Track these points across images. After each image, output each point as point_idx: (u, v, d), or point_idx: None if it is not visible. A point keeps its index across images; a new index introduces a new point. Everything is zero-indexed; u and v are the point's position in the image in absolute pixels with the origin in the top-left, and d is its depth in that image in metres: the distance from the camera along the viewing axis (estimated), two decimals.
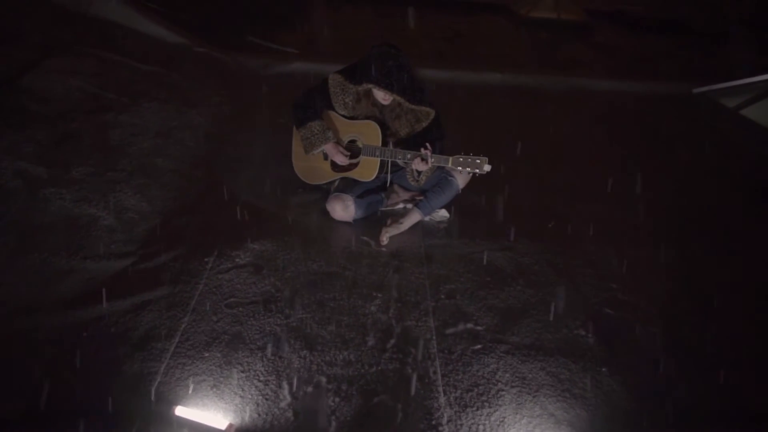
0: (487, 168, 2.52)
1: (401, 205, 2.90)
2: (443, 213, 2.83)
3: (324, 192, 2.85)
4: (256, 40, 4.97)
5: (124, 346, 1.91)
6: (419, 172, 2.69)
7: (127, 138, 3.10)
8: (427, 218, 2.79)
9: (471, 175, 2.65)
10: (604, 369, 1.95)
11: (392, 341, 2.03)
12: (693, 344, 2.09)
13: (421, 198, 2.77)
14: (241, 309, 2.13)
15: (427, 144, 2.54)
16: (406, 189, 2.93)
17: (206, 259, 2.37)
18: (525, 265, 2.49)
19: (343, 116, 2.76)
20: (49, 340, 1.90)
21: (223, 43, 4.72)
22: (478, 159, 2.52)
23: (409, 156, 2.61)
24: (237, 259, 2.39)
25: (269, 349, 1.95)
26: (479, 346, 2.02)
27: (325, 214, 2.72)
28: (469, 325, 2.12)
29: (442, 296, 2.27)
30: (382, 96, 2.60)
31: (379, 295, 2.26)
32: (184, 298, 2.16)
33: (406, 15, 7.74)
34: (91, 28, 4.10)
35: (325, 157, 2.83)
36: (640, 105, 4.58)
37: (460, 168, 2.54)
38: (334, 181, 2.84)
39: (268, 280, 2.29)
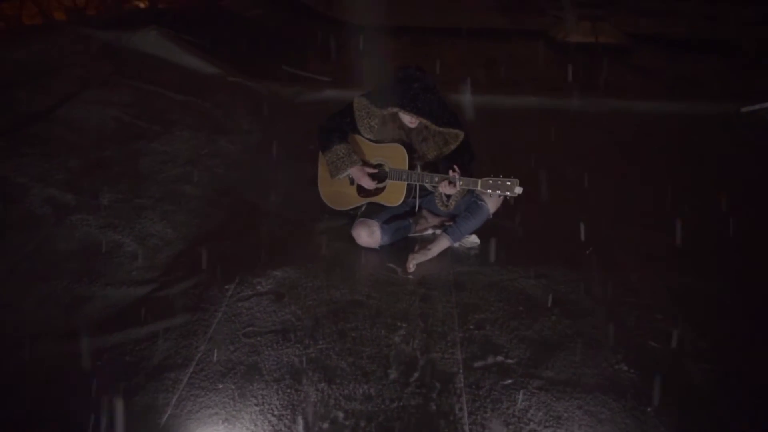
0: (518, 190, 2.40)
1: (430, 231, 2.79)
2: (473, 239, 2.71)
3: (350, 218, 2.78)
4: (289, 69, 5.04)
5: (138, 376, 1.85)
6: (448, 196, 2.59)
7: (157, 166, 3.13)
8: (456, 245, 2.67)
9: (502, 198, 2.53)
10: (649, 409, 1.76)
11: (416, 375, 1.90)
12: (752, 382, 1.88)
13: (451, 223, 2.66)
14: (259, 338, 2.05)
15: (455, 166, 2.44)
16: (435, 214, 2.83)
17: (227, 287, 2.31)
18: (560, 293, 2.33)
19: (369, 140, 2.70)
20: (64, 368, 1.86)
21: (257, 73, 4.80)
22: (509, 181, 2.40)
23: (436, 179, 2.51)
24: (258, 287, 2.33)
25: (286, 381, 1.85)
26: (510, 381, 1.87)
27: (351, 240, 2.64)
28: (500, 358, 1.98)
29: (471, 327, 2.13)
30: (408, 119, 2.54)
31: (403, 325, 2.14)
32: (202, 327, 2.09)
33: (441, 44, 7.76)
34: (129, 60, 4.24)
35: (351, 182, 2.76)
36: (685, 126, 4.36)
37: (490, 191, 2.42)
38: (360, 207, 2.76)
39: (288, 309, 2.21)
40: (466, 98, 4.50)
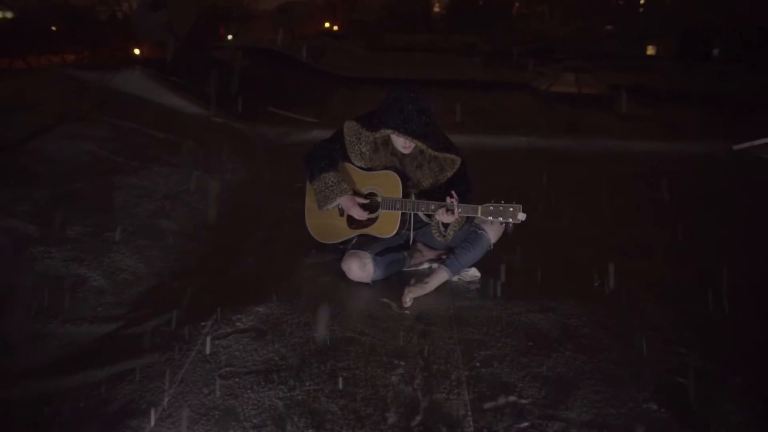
0: (521, 217, 2.23)
1: (426, 265, 2.59)
2: (474, 272, 2.51)
3: (339, 253, 2.57)
4: (276, 110, 4.95)
5: (93, 424, 1.58)
6: (446, 226, 2.41)
7: (133, 200, 2.93)
8: (455, 278, 2.47)
9: (503, 226, 2.37)
10: None
11: (418, 418, 1.65)
12: None
13: (449, 256, 2.46)
14: (237, 380, 1.79)
15: (453, 192, 2.28)
16: (432, 248, 2.64)
17: (202, 323, 2.07)
18: (572, 327, 2.12)
19: (360, 168, 2.54)
20: (7, 416, 1.58)
21: (243, 114, 4.70)
22: (511, 207, 2.24)
23: (433, 207, 2.34)
24: (238, 323, 2.08)
25: (267, 428, 1.59)
26: (526, 424, 1.63)
27: (341, 274, 2.43)
28: (512, 398, 1.74)
29: (477, 364, 1.90)
30: (402, 143, 2.39)
31: (401, 363, 1.90)
32: (172, 367, 1.83)
33: (427, 93, 7.82)
34: (111, 99, 4.11)
35: (341, 212, 2.58)
36: (678, 163, 4.31)
37: (491, 218, 2.25)
38: (351, 240, 2.57)
39: (271, 347, 1.96)
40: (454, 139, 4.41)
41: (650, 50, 18.86)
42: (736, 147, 4.30)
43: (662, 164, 4.31)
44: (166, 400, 1.69)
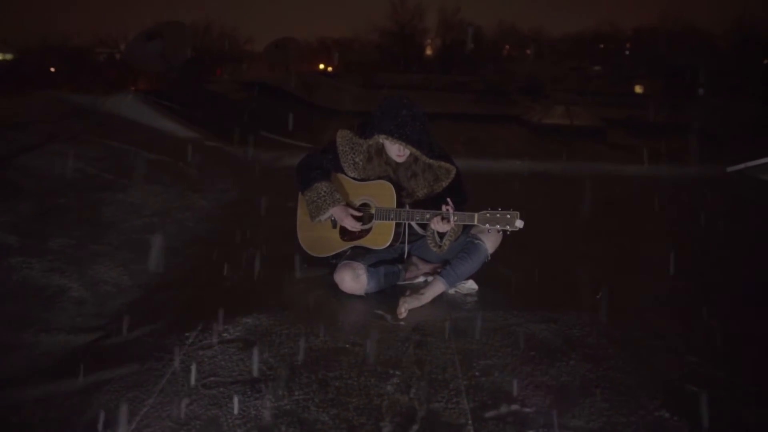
0: (519, 224, 2.16)
1: (421, 279, 2.51)
2: (471, 284, 2.42)
3: (332, 267, 2.48)
4: (269, 135, 4.94)
5: None
6: (441, 236, 2.34)
7: (120, 215, 2.85)
8: (452, 291, 2.39)
9: (501, 235, 2.30)
10: None
11: (415, 427, 1.54)
12: None
13: (445, 267, 2.38)
14: (221, 389, 1.68)
15: (449, 199, 2.22)
16: (427, 261, 2.56)
17: (187, 334, 1.96)
18: (576, 337, 2.03)
19: (353, 178, 2.48)
20: None
21: (236, 139, 4.67)
22: (509, 214, 2.17)
23: (428, 216, 2.27)
24: (224, 334, 1.98)
25: None
26: None
27: (333, 287, 2.34)
28: (515, 407, 1.63)
29: (477, 373, 1.80)
30: (396, 151, 2.34)
31: (397, 372, 1.80)
32: (153, 377, 1.72)
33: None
34: (103, 121, 4.08)
35: (334, 224, 2.50)
36: (673, 185, 4.30)
37: (488, 225, 2.18)
38: (344, 252, 2.48)
39: (259, 357, 1.85)
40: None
41: (638, 89, 19.36)
42: (730, 169, 4.31)
43: (658, 185, 4.29)
44: (143, 410, 1.57)
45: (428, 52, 34.84)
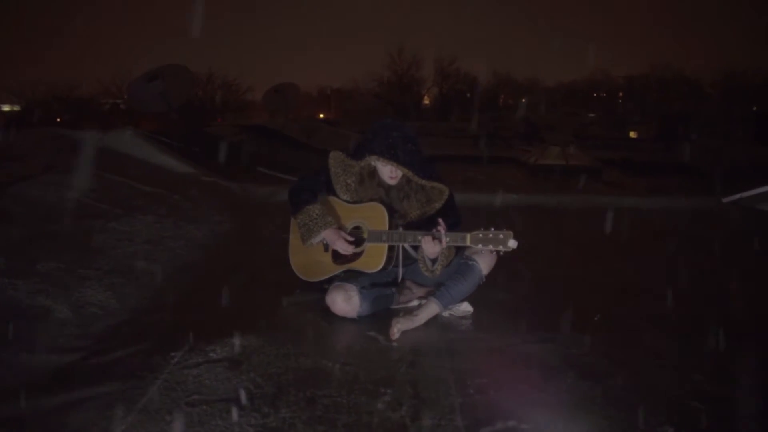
0: (512, 244, 2.13)
1: (416, 302, 2.45)
2: (466, 307, 2.37)
3: (324, 292, 2.43)
4: (265, 171, 4.97)
5: None
6: (433, 261, 2.30)
7: (112, 242, 2.83)
8: (446, 313, 2.33)
9: (495, 256, 2.26)
10: None
11: None
12: None
13: (440, 289, 2.33)
14: (205, 407, 1.61)
15: (440, 220, 2.20)
16: (421, 285, 2.51)
17: (173, 353, 1.90)
18: (574, 356, 1.96)
19: (346, 201, 2.47)
20: None
21: (232, 175, 4.70)
22: (502, 234, 2.14)
23: (420, 237, 2.24)
24: (211, 354, 1.92)
25: None
26: None
27: (324, 310, 2.28)
28: (511, 423, 1.56)
29: (472, 391, 1.73)
30: (388, 172, 2.34)
31: (388, 391, 1.73)
32: (134, 395, 1.65)
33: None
34: (100, 155, 4.11)
35: (326, 248, 2.47)
36: (669, 216, 4.29)
37: (481, 246, 2.15)
38: (336, 276, 2.44)
39: (246, 376, 1.78)
40: None
41: (632, 134, 19.71)
42: (725, 200, 4.31)
43: (654, 215, 4.29)
44: (121, 428, 1.50)
45: (426, 101, 35.64)
